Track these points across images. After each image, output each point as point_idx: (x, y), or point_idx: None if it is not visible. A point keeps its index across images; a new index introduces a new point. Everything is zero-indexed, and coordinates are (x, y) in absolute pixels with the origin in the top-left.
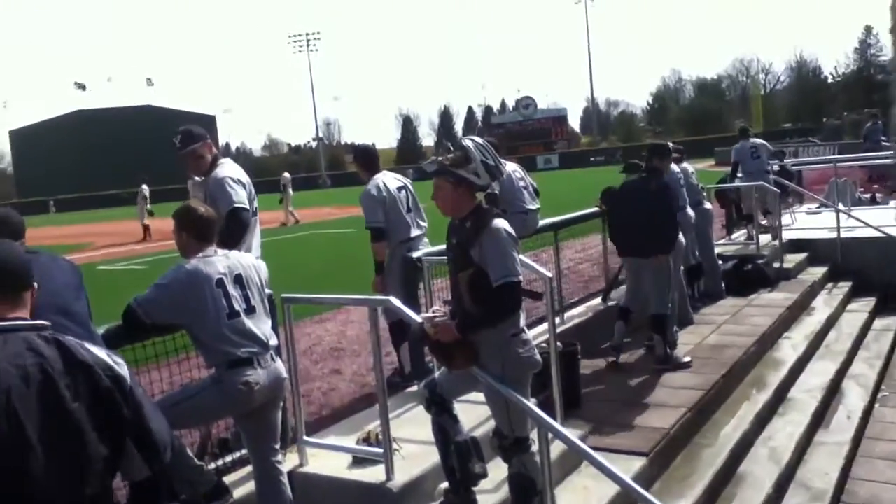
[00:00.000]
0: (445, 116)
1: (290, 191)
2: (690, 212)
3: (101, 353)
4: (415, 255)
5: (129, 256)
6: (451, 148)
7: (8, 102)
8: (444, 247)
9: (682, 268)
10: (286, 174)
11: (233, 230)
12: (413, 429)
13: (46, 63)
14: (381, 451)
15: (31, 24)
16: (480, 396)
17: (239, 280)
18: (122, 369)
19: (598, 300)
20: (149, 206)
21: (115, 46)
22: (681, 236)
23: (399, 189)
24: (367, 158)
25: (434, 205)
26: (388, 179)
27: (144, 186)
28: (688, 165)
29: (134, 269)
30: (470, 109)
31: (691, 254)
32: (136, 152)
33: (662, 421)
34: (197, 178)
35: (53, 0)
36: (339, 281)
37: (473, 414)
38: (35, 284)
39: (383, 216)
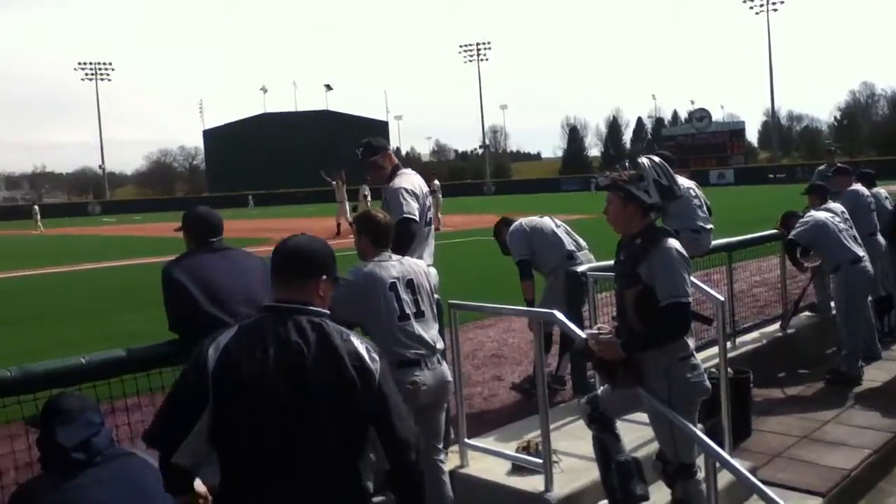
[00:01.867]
0: (614, 127)
1: (440, 196)
2: (881, 239)
3: (360, 345)
4: (579, 269)
5: None
6: (627, 163)
7: (203, 104)
8: (610, 262)
9: (870, 299)
10: (436, 181)
11: (401, 239)
12: (572, 442)
13: (238, 68)
14: (540, 461)
15: (225, 32)
16: (645, 417)
17: (410, 285)
18: (374, 364)
19: (775, 326)
20: (369, 201)
21: (299, 53)
22: (870, 265)
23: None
24: None
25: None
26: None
27: (348, 185)
28: (881, 189)
29: None
30: (639, 120)
31: (881, 284)
32: (314, 154)
33: (843, 461)
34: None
35: (246, 10)
36: (499, 288)
37: (636, 434)
38: (324, 276)
39: (528, 249)
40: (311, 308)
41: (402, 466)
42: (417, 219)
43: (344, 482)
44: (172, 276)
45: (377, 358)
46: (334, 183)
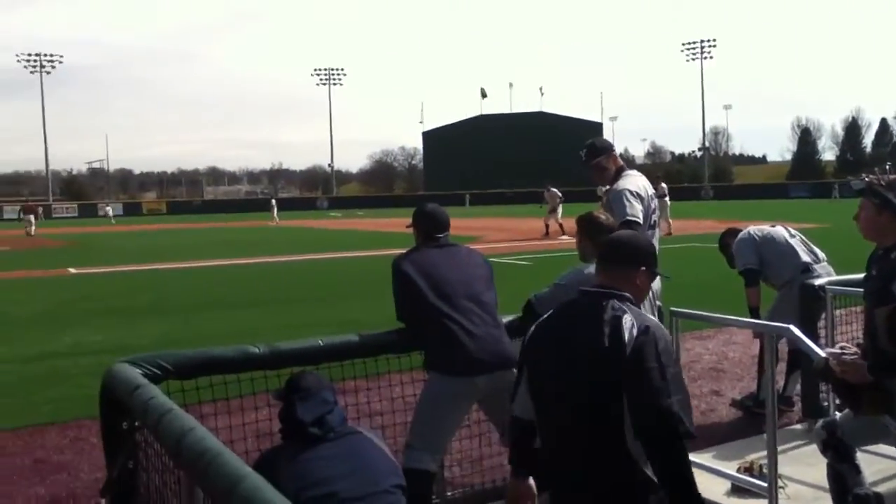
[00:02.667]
0: (852, 128)
1: (668, 201)
2: None
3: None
4: (816, 282)
5: (514, 252)
6: (888, 166)
7: (424, 106)
8: (853, 276)
9: None
10: (663, 185)
11: None
12: (799, 468)
13: (456, 72)
14: (765, 484)
15: (445, 39)
16: (890, 449)
17: None
18: (635, 334)
19: None
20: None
21: (515, 56)
22: None
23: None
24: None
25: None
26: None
27: (554, 190)
28: None
29: (517, 263)
30: (883, 122)
31: None
32: (528, 155)
33: None
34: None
35: (466, 16)
36: (717, 298)
37: (878, 466)
38: (643, 268)
39: (756, 259)
40: (617, 292)
41: (650, 439)
42: (641, 221)
43: (608, 456)
44: (402, 269)
45: (644, 330)
46: (548, 193)
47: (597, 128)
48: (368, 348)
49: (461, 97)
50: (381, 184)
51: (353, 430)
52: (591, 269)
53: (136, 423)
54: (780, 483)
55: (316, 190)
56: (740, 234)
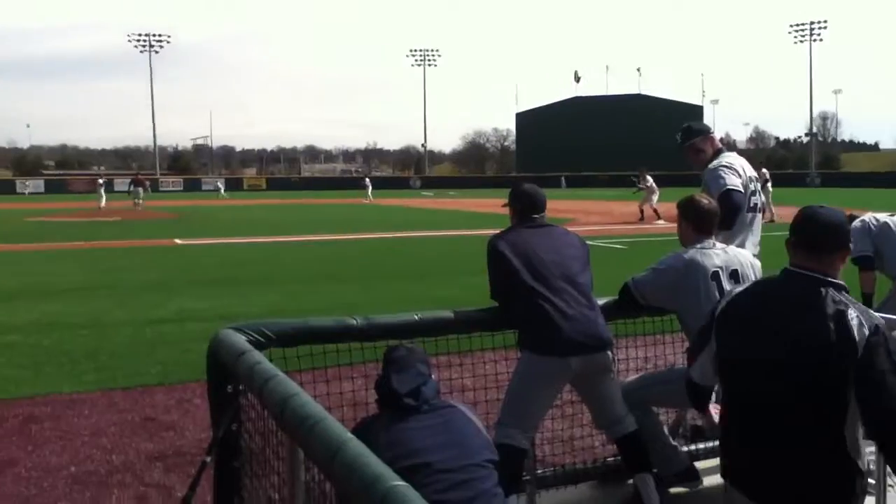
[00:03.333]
0: None
1: (770, 187)
2: None
3: (854, 315)
4: None
5: (607, 235)
6: None
7: (518, 88)
8: None
9: None
10: (765, 170)
11: (724, 212)
12: None
13: (551, 53)
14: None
15: (540, 20)
16: None
17: (734, 276)
18: (864, 334)
19: None
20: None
21: (611, 37)
22: None
23: None
24: None
25: None
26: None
27: (648, 177)
28: None
29: (611, 247)
30: None
31: None
32: (624, 138)
33: None
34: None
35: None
36: None
37: None
38: (845, 249)
39: (870, 247)
40: (833, 280)
41: (886, 440)
42: (742, 190)
43: (821, 447)
44: (497, 248)
45: (875, 330)
46: (641, 178)
47: (697, 111)
48: (462, 325)
49: (555, 79)
50: (472, 164)
51: (448, 404)
52: (691, 253)
53: (241, 387)
54: (889, 482)
55: (409, 169)
56: (855, 222)
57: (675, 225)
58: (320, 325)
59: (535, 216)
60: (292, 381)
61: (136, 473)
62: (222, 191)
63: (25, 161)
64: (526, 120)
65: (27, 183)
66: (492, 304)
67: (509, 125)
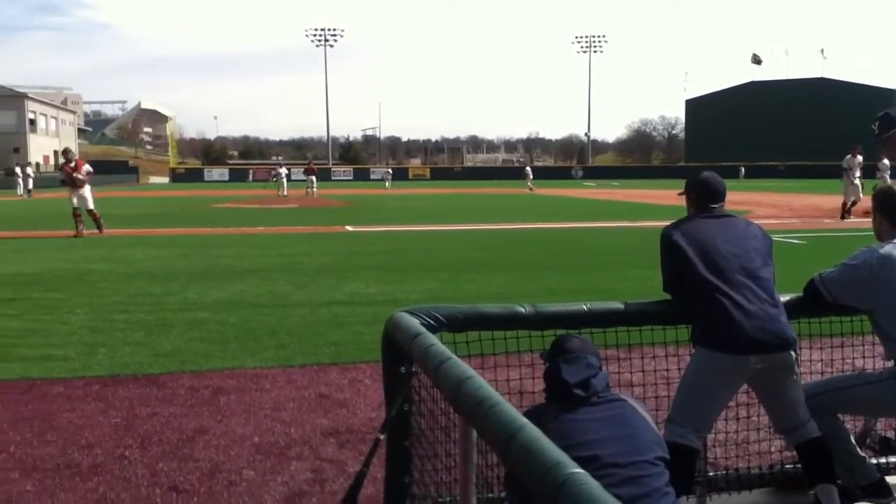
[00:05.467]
0: None
1: None
2: None
3: None
4: None
5: (786, 229)
6: None
7: (688, 73)
8: None
9: None
10: None
11: None
12: None
13: (725, 36)
14: None
15: (715, 2)
16: None
17: None
18: None
19: None
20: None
21: (792, 19)
22: None
23: None
24: None
25: None
26: None
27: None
28: None
29: (790, 242)
30: None
31: None
32: (806, 125)
33: None
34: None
35: None
36: None
37: None
38: None
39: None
40: None
41: None
42: None
43: None
44: (671, 239)
45: None
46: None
47: (888, 95)
48: (633, 317)
49: (729, 63)
50: (638, 154)
51: (618, 397)
52: (888, 248)
53: (414, 368)
54: None
55: (571, 159)
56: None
57: (863, 221)
58: (489, 312)
59: (714, 206)
60: (466, 365)
61: (312, 447)
62: (389, 181)
63: (212, 151)
64: (697, 106)
65: (213, 171)
66: (664, 297)
67: (678, 112)
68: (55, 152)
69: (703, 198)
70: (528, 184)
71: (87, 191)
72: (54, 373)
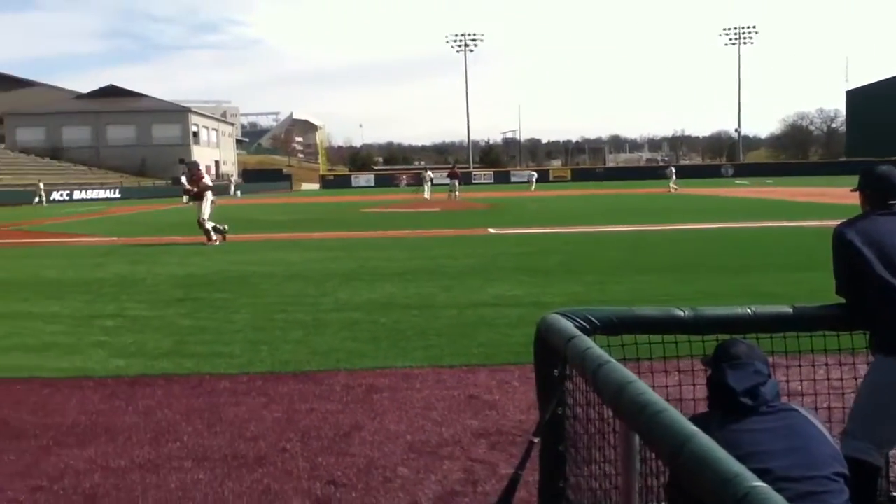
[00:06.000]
0: None
1: None
2: None
3: None
4: None
5: None
6: None
7: (848, 62)
8: None
9: None
10: None
11: None
12: None
13: (892, 19)
14: None
15: None
16: None
17: None
18: None
19: None
20: None
21: None
22: None
23: None
24: None
25: None
26: None
27: None
28: None
29: None
30: None
31: None
32: None
33: None
34: None
35: None
36: None
37: None
38: None
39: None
40: None
41: None
42: None
43: None
44: (845, 238)
45: None
46: None
47: None
48: (801, 322)
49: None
50: (793, 150)
51: (789, 407)
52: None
53: (568, 371)
54: None
55: (720, 157)
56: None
57: None
58: (645, 315)
59: (893, 202)
60: (626, 369)
61: (463, 447)
62: (533, 181)
63: (359, 157)
64: (859, 97)
65: (360, 177)
66: (836, 301)
67: (837, 104)
68: (216, 162)
69: (881, 193)
70: (671, 184)
71: (204, 201)
72: (221, 368)
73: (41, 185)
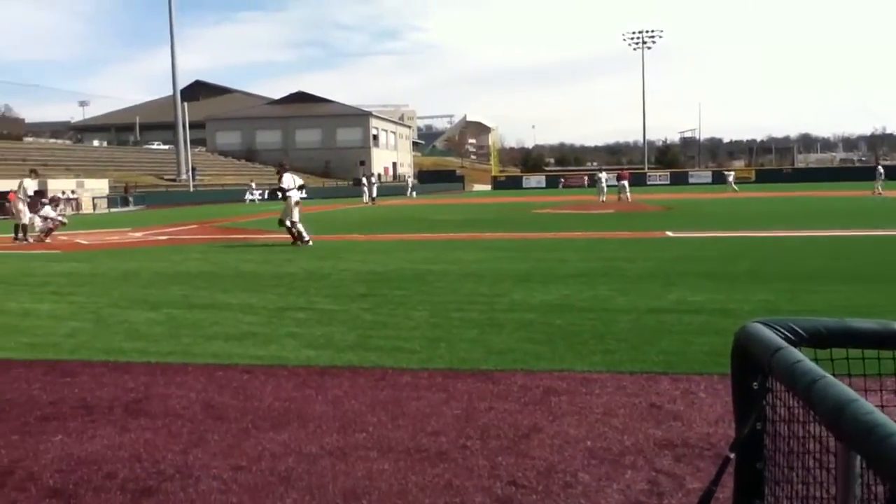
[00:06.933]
0: None
1: None
2: None
3: None
4: None
5: None
6: None
7: None
8: None
9: None
10: None
11: None
12: None
13: None
14: None
15: None
16: None
17: None
18: None
19: None
20: None
21: None
22: None
23: None
24: None
25: None
26: None
27: None
28: None
29: None
30: None
31: None
32: None
33: None
34: None
35: None
36: None
37: None
38: None
39: None
40: None
41: None
42: None
43: None
44: None
45: None
46: None
47: None
48: None
49: None
50: None
51: None
52: None
53: (769, 385)
54: None
55: None
56: None
57: None
58: (860, 327)
59: None
60: (846, 386)
61: (646, 457)
62: (732, 183)
63: (530, 158)
64: None
65: (531, 178)
66: None
67: None
68: (393, 164)
69: None
70: (878, 186)
71: (290, 202)
72: (403, 363)
73: (253, 185)
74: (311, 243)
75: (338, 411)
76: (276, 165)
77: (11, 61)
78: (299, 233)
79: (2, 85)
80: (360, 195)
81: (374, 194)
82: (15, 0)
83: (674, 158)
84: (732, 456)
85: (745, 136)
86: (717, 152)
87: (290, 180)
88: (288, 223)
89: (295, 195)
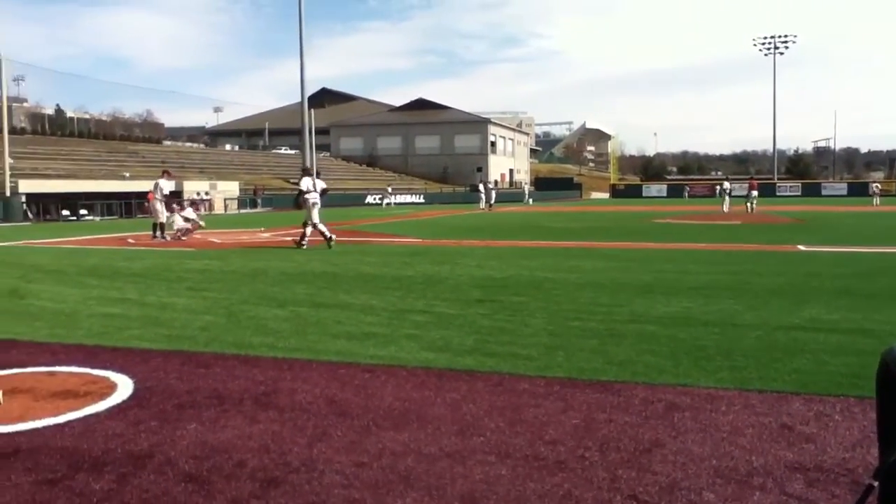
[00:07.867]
0: None
1: None
2: None
3: None
4: None
5: None
6: None
7: None
8: None
9: None
10: None
11: None
12: None
13: None
14: None
15: None
16: None
17: None
18: None
19: None
20: None
21: None
22: None
23: None
24: None
25: None
26: None
27: None
28: None
29: None
30: None
31: None
32: None
33: None
34: None
35: None
36: None
37: None
38: None
39: None
40: None
41: None
42: None
43: None
44: None
45: None
46: None
47: None
48: None
49: None
50: None
51: None
52: None
53: None
54: None
55: None
56: None
57: None
58: None
59: None
60: None
61: (776, 480)
62: (878, 196)
63: (651, 167)
64: None
65: (651, 187)
66: None
67: None
68: (510, 171)
69: None
70: None
71: (308, 205)
72: (520, 370)
73: (389, 190)
74: (331, 246)
75: (456, 414)
76: (302, 171)
77: (154, 70)
78: (303, 234)
79: (145, 91)
80: (477, 201)
81: (492, 200)
82: (159, 15)
83: (806, 168)
84: (876, 484)
85: (885, 147)
86: (853, 163)
87: (308, 183)
88: (310, 225)
89: (312, 198)
